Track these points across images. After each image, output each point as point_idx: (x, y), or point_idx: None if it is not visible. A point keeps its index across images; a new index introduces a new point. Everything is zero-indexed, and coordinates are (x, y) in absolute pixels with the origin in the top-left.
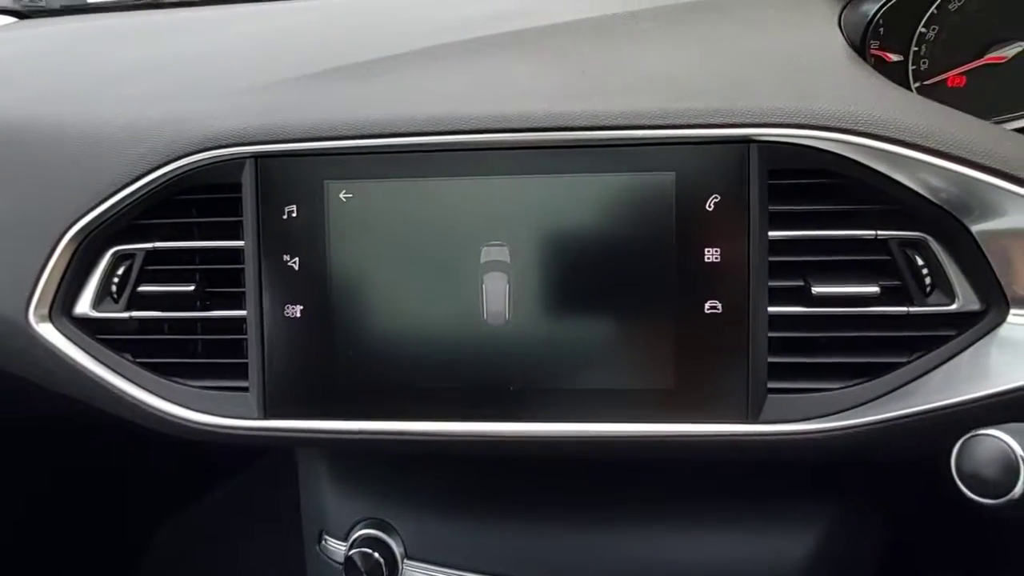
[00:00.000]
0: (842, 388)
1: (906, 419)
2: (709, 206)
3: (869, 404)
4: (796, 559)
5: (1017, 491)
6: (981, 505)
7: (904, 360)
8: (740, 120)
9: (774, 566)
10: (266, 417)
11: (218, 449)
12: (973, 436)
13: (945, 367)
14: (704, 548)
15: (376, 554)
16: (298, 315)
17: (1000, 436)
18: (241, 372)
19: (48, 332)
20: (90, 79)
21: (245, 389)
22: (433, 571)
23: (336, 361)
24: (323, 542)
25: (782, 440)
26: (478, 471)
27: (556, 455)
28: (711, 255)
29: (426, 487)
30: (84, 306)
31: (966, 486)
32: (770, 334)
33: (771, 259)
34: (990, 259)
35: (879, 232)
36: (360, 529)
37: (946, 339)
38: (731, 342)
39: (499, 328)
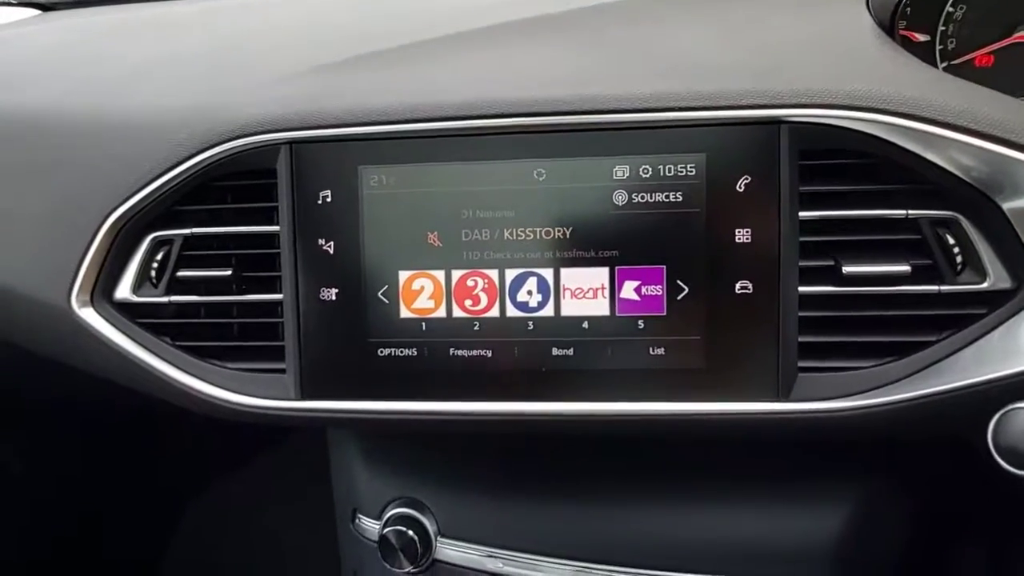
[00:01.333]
0: (872, 367)
1: (937, 397)
2: (740, 187)
3: (900, 382)
4: (824, 537)
5: None
6: (1019, 479)
7: (934, 339)
8: (771, 101)
9: (802, 544)
10: (303, 398)
11: (248, 432)
12: (1010, 410)
13: (976, 345)
14: (732, 526)
15: (410, 532)
16: (333, 298)
17: None
18: (278, 354)
19: (90, 316)
20: (122, 70)
21: (282, 371)
22: (466, 548)
23: (371, 343)
24: (357, 520)
25: (812, 418)
26: (510, 450)
27: (587, 435)
28: (742, 236)
29: (458, 466)
30: (124, 291)
31: (1004, 460)
32: (800, 313)
33: (802, 239)
34: (1021, 235)
35: (910, 212)
36: (393, 508)
37: (977, 317)
38: (761, 321)
39: (531, 310)
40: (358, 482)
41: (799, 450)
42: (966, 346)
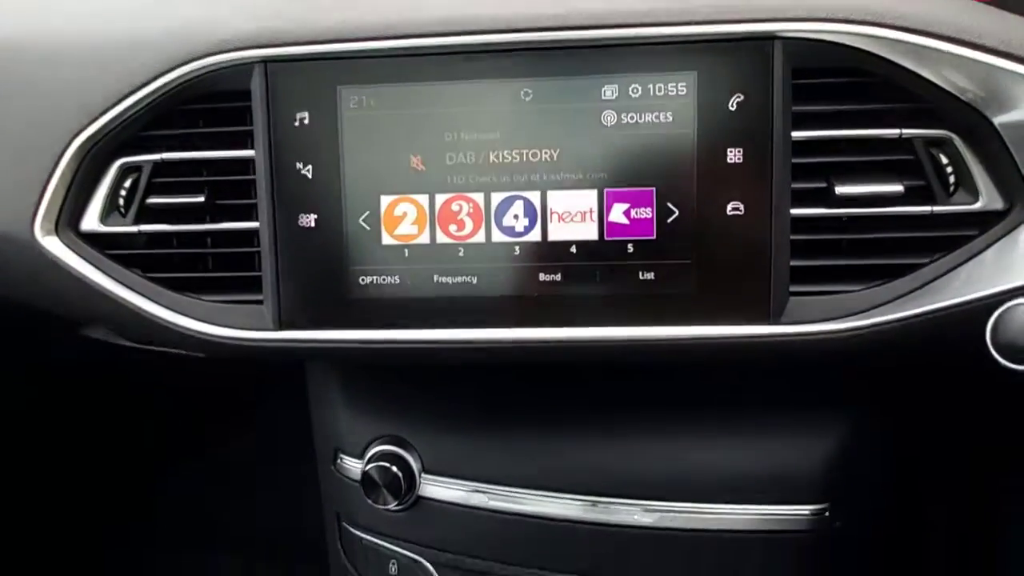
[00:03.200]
0: (864, 289)
1: (929, 316)
2: (732, 106)
3: (891, 303)
4: (813, 466)
5: None
6: (1015, 374)
7: (926, 261)
8: (764, 15)
9: (792, 471)
10: (281, 328)
11: (227, 382)
12: (1007, 308)
13: (968, 265)
14: (720, 456)
15: (394, 468)
16: (312, 225)
17: None
18: (254, 286)
19: (54, 246)
20: None
21: (259, 302)
22: (451, 484)
23: (352, 271)
24: (339, 461)
25: (803, 341)
26: (494, 385)
27: (574, 364)
28: (733, 156)
29: (442, 403)
30: (91, 221)
31: (1002, 356)
32: (792, 237)
33: (794, 160)
34: (1014, 153)
35: (904, 131)
36: (376, 446)
37: (969, 239)
38: (753, 244)
39: (517, 235)
40: (339, 422)
41: (788, 380)
42: (958, 267)
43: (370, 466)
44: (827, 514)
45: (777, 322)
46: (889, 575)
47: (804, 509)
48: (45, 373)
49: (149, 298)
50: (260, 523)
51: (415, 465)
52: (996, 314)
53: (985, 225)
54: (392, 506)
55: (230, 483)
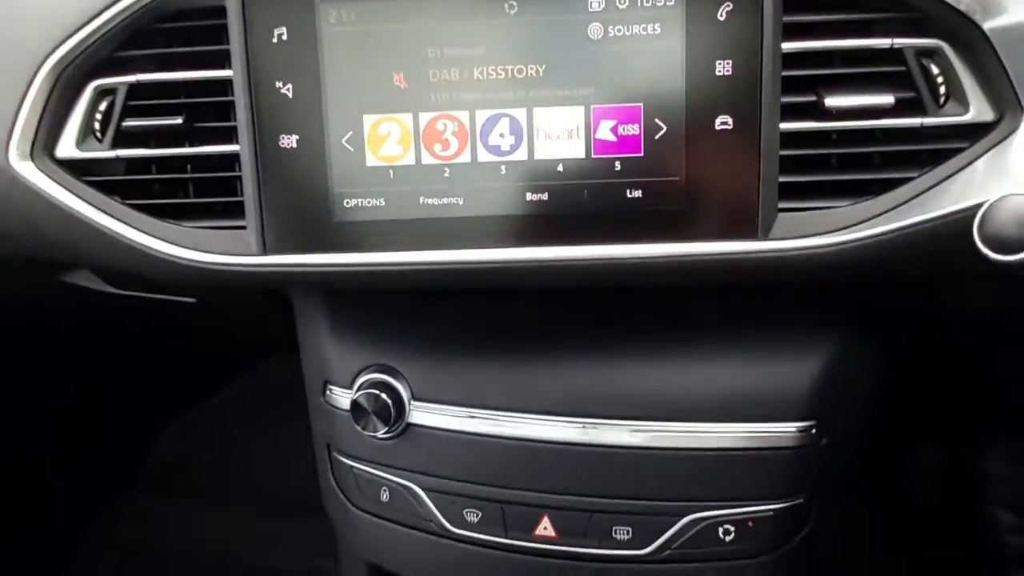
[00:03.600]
0: (854, 204)
1: (918, 227)
2: (721, 15)
3: (881, 217)
4: (801, 383)
5: None
6: (999, 264)
7: (916, 175)
8: None
9: (779, 390)
10: (266, 253)
11: (217, 334)
12: (995, 201)
13: (958, 177)
14: (710, 376)
15: (383, 395)
16: (294, 145)
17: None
18: (236, 212)
19: (30, 172)
20: None
21: (242, 228)
22: (441, 410)
23: (336, 193)
24: (328, 392)
25: (792, 256)
26: (482, 311)
27: (563, 284)
28: (722, 68)
29: (429, 330)
30: (67, 146)
31: (988, 248)
32: (782, 152)
33: (784, 73)
34: (1004, 61)
35: (895, 40)
36: (365, 375)
37: (959, 151)
38: (742, 158)
39: (504, 154)
40: (328, 353)
41: (776, 300)
42: (947, 179)
43: (359, 394)
44: (813, 431)
45: (765, 238)
46: (873, 490)
47: (791, 427)
48: (30, 328)
49: (130, 224)
50: (257, 478)
51: (404, 393)
52: (982, 210)
53: (975, 136)
54: (382, 433)
55: (225, 438)
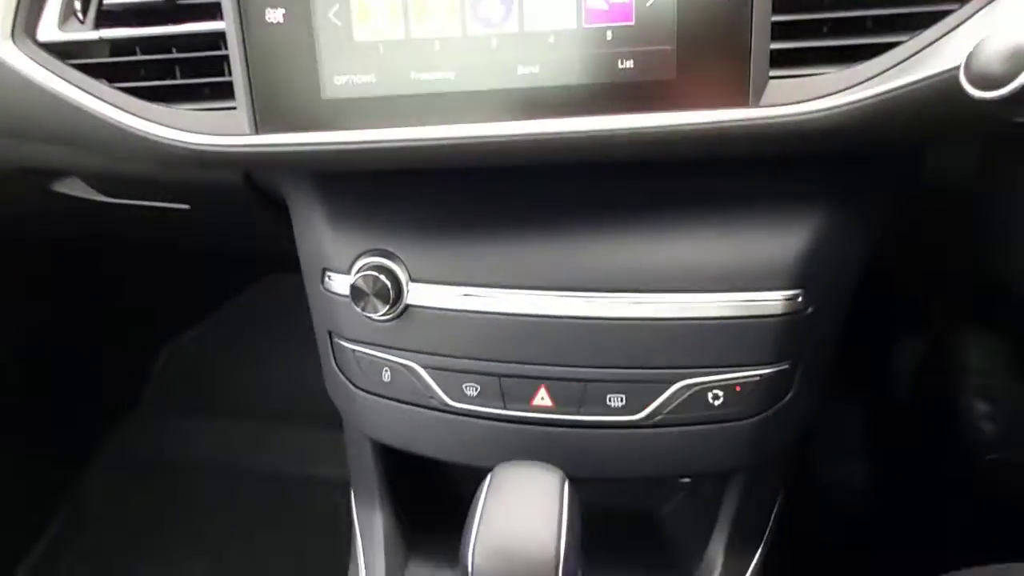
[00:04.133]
0: (844, 68)
1: (909, 88)
2: None
3: (871, 80)
4: (788, 253)
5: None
6: (984, 104)
7: (907, 37)
8: None
9: (768, 261)
10: (258, 132)
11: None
12: (983, 40)
13: (948, 38)
14: (700, 249)
15: (382, 277)
16: (280, 20)
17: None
18: (226, 92)
19: (12, 55)
20: None
21: (233, 108)
22: (438, 290)
23: (326, 69)
24: (327, 279)
25: (784, 123)
26: (476, 191)
27: (555, 159)
28: None
29: (425, 212)
30: (49, 28)
31: (973, 86)
32: (773, 18)
33: None
34: None
35: None
36: (363, 260)
37: (950, 12)
38: (734, 26)
39: (494, 25)
40: (325, 241)
41: (765, 173)
42: (938, 40)
43: (358, 277)
44: (800, 300)
45: (756, 105)
46: (857, 359)
47: (778, 295)
48: (25, 244)
49: (119, 107)
50: (258, 392)
51: (402, 275)
52: (969, 51)
53: None
54: (381, 314)
55: (225, 354)
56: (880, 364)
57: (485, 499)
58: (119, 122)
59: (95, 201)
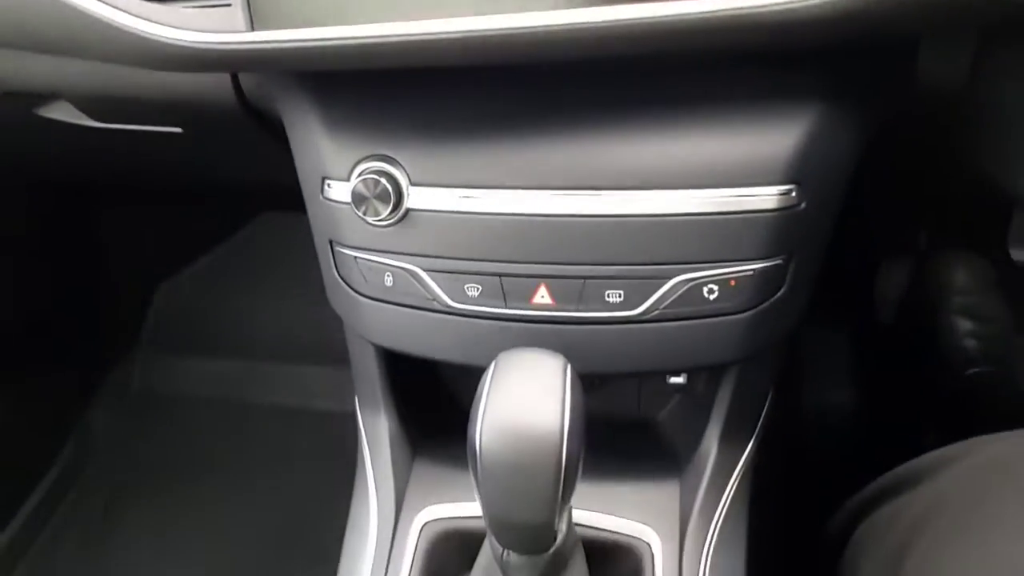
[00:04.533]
0: None
1: None
2: None
3: None
4: (783, 150)
5: None
6: None
7: None
8: None
9: (763, 156)
10: (254, 29)
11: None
12: None
13: None
14: (696, 146)
15: (383, 180)
16: None
17: None
18: None
19: None
20: None
21: (227, 6)
22: (437, 192)
23: None
24: (326, 187)
25: (782, 10)
26: (472, 94)
27: (553, 53)
28: None
29: (423, 117)
30: None
31: None
32: None
33: None
34: None
35: None
36: (362, 165)
37: None
38: None
39: None
40: (323, 149)
41: (758, 74)
42: None
43: (358, 181)
44: (793, 195)
45: None
46: (846, 285)
47: (772, 190)
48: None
49: (111, 4)
50: (257, 328)
51: (402, 179)
52: None
53: None
54: (383, 218)
55: (228, 288)
56: (868, 289)
57: (491, 383)
58: (111, 20)
59: (85, 127)
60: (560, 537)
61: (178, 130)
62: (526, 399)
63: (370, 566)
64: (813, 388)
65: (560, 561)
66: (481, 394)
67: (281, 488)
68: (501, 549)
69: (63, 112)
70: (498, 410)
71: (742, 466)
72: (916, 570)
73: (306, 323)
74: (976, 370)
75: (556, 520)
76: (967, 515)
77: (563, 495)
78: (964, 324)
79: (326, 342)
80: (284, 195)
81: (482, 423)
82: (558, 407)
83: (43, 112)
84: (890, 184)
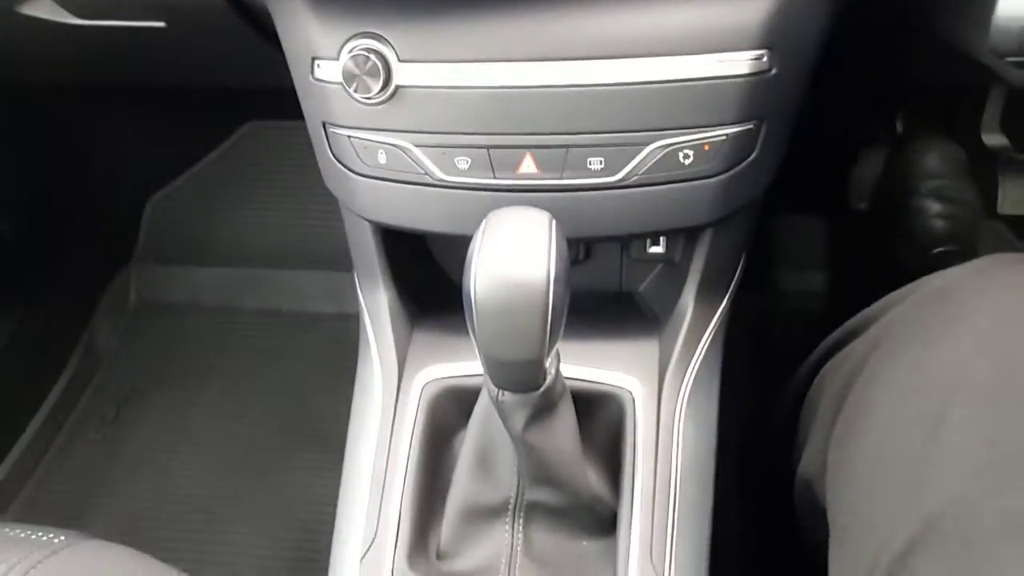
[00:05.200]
0: None
1: None
2: None
3: None
4: (755, 16)
5: None
6: None
7: None
8: None
9: (735, 22)
10: None
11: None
12: None
13: None
14: (670, 13)
15: (372, 57)
16: None
17: None
18: None
19: None
20: None
21: None
22: (426, 68)
23: None
24: (316, 68)
25: None
26: None
27: None
28: None
29: None
30: None
31: None
32: None
33: None
34: None
35: None
36: (351, 43)
37: None
38: None
39: None
40: (312, 30)
41: None
42: None
43: (348, 58)
44: (764, 60)
45: None
46: (821, 173)
47: (744, 55)
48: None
49: None
50: (250, 237)
51: (391, 56)
52: None
53: None
54: (374, 95)
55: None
56: (845, 178)
57: (483, 236)
58: None
59: (68, 25)
60: (549, 379)
61: (162, 24)
62: (515, 249)
63: (377, 422)
64: (788, 272)
65: (549, 402)
66: (474, 247)
67: (281, 384)
68: (496, 391)
69: (45, 9)
70: (490, 260)
71: (716, 322)
72: (855, 401)
73: (295, 230)
74: (942, 249)
75: (544, 358)
76: (904, 343)
77: (550, 334)
78: (933, 206)
79: (315, 248)
80: (269, 101)
81: (476, 272)
82: (544, 255)
83: (24, 9)
84: (865, 64)
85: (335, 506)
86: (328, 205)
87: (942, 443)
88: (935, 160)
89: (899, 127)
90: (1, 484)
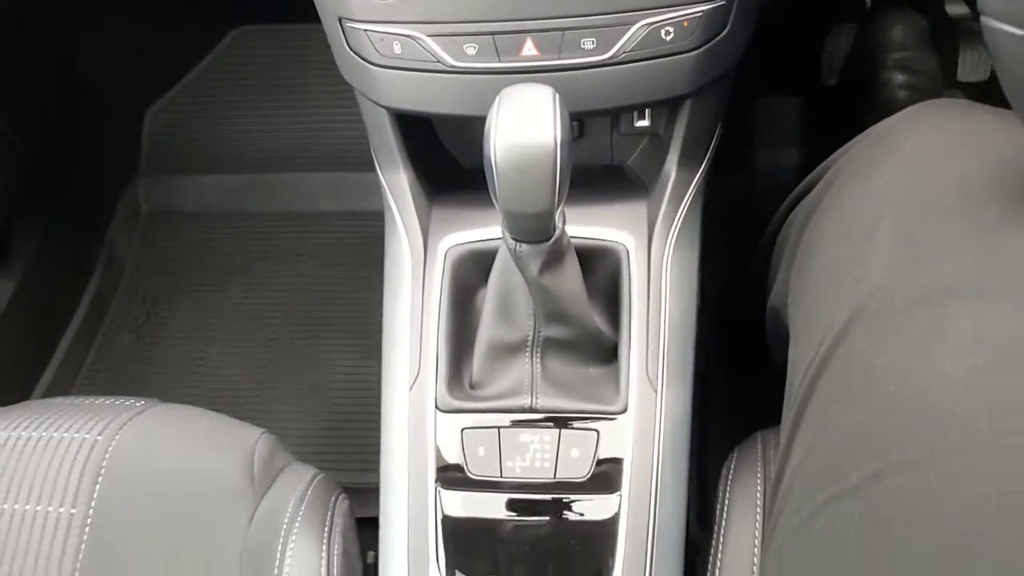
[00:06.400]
0: None
1: None
2: None
3: None
4: None
5: None
6: None
7: None
8: None
9: None
10: None
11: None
12: None
13: None
14: None
15: None
16: None
17: None
18: None
19: None
20: None
21: None
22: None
23: None
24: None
25: None
26: None
27: None
28: None
29: None
30: None
31: None
32: None
33: None
34: None
35: None
36: None
37: None
38: None
39: None
40: None
41: None
42: None
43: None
44: None
45: None
46: (792, 54)
47: None
48: None
49: None
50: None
51: None
52: None
53: None
54: None
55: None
56: (815, 54)
57: (498, 109)
58: None
59: None
60: (557, 231)
61: None
62: (527, 118)
63: (409, 283)
64: (764, 151)
65: (558, 253)
66: (491, 119)
67: (299, 280)
68: (515, 243)
69: None
70: (506, 127)
71: (696, 184)
72: (811, 231)
73: (294, 134)
74: None
75: (555, 211)
76: (850, 178)
77: (559, 189)
78: (898, 77)
79: (315, 150)
80: (252, 4)
81: (495, 140)
82: (551, 122)
83: None
84: None
85: (364, 382)
86: (323, 108)
87: (873, 246)
88: (899, 32)
89: (867, 1)
90: (48, 388)
